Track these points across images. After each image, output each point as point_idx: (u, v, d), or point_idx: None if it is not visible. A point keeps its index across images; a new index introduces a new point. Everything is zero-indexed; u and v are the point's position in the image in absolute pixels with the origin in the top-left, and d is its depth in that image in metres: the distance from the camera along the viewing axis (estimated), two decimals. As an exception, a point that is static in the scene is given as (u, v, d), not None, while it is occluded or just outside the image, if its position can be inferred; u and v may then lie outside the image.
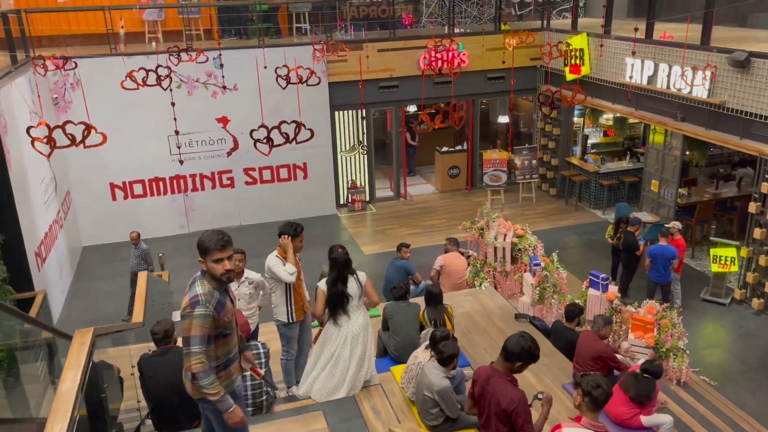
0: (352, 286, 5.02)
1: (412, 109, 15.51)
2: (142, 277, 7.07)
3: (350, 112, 13.42)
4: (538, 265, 7.19)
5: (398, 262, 7.92)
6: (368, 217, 13.42)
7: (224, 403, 3.46)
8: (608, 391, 3.22)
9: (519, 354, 3.47)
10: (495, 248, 7.82)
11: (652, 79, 10.42)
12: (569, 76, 12.45)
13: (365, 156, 13.67)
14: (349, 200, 13.66)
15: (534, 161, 13.55)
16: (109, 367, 4.66)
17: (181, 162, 10.51)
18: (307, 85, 9.39)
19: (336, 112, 13.18)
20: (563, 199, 13.58)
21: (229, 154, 12.50)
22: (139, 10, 13.29)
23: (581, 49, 12.13)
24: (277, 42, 12.91)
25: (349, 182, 13.70)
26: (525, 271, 7.59)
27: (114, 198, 12.33)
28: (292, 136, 6.85)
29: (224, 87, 11.42)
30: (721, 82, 9.07)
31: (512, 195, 13.86)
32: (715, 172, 12.32)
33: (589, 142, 13.64)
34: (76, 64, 10.24)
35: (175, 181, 12.47)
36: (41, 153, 6.33)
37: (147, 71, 8.68)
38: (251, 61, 11.63)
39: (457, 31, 13.84)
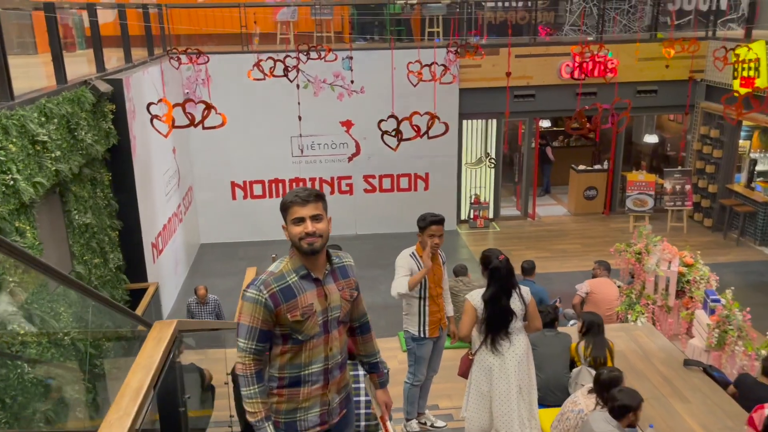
0: (515, 304, 4.01)
1: (545, 124, 14.32)
2: (251, 271, 6.50)
3: (479, 121, 12.50)
4: (718, 301, 5.84)
5: (533, 286, 6.83)
6: (491, 235, 12.36)
7: (260, 430, 2.45)
8: None
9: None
10: (656, 277, 6.53)
11: None
12: (740, 91, 10.78)
13: (492, 170, 12.66)
14: (471, 216, 12.68)
15: (687, 186, 11.89)
16: (197, 370, 4.01)
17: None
18: (441, 83, 8.59)
19: (464, 121, 12.31)
20: (721, 232, 11.79)
21: (350, 159, 11.99)
22: (273, 11, 13.21)
23: (757, 59, 10.45)
24: (408, 45, 12.30)
25: (473, 197, 12.73)
26: (696, 308, 6.23)
27: (234, 197, 12.16)
28: (424, 129, 6.05)
29: (352, 86, 10.88)
30: None
31: (658, 223, 12.24)
32: None
33: (758, 167, 11.78)
34: (208, 58, 10.13)
35: (294, 184, 12.10)
36: (159, 132, 5.94)
37: (275, 61, 8.26)
38: (380, 62, 11.05)
39: (605, 37, 12.55)
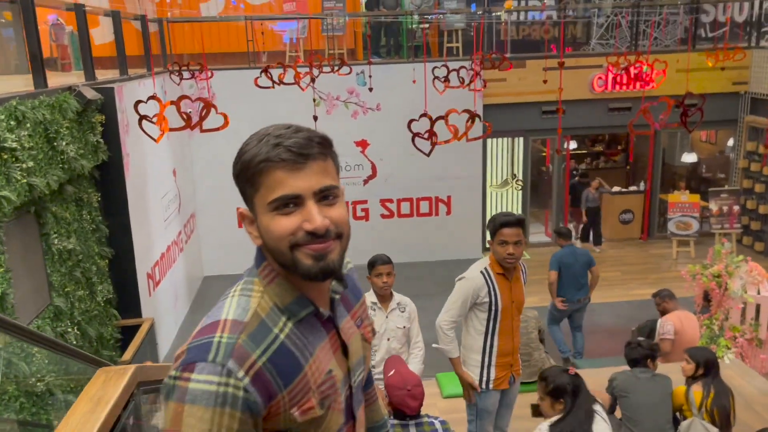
0: (600, 427, 2.85)
1: (571, 145, 13.39)
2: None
3: (505, 140, 11.60)
4: (832, 333, 4.79)
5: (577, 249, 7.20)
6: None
7: None
8: None
9: None
10: (745, 305, 5.47)
11: None
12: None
13: (519, 192, 11.69)
14: (498, 243, 11.66)
15: (736, 207, 10.85)
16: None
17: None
18: (471, 89, 7.70)
19: (488, 140, 11.39)
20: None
21: (365, 182, 11.06)
22: (280, 30, 12.48)
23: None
24: (427, 59, 11.47)
25: (499, 222, 11.72)
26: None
27: (240, 224, 11.21)
28: (462, 131, 5.11)
29: (367, 103, 10.03)
30: None
31: (703, 248, 11.13)
32: None
33: (814, 186, 10.76)
34: (212, 73, 9.32)
35: (305, 210, 11.15)
36: (150, 136, 5.03)
37: (285, 67, 7.40)
38: (397, 78, 10.25)
39: (639, 47, 11.70)
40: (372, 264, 3.98)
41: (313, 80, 7.33)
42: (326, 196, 1.21)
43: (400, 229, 11.29)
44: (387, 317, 4.03)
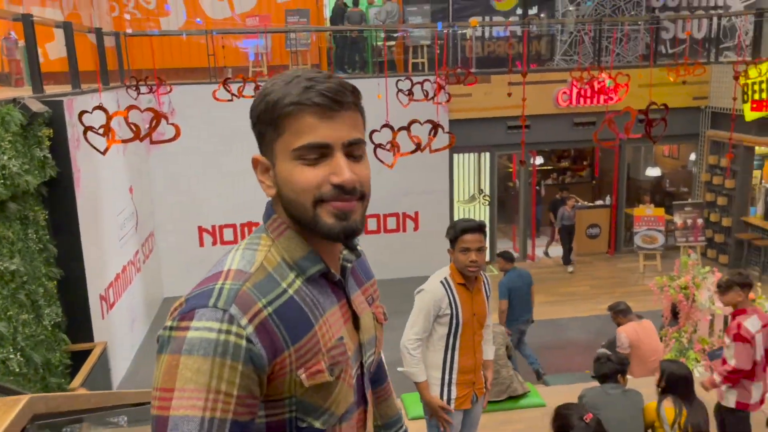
0: None
1: (538, 161, 13.41)
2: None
3: (471, 155, 11.54)
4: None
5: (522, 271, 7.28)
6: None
7: None
8: None
9: None
10: (712, 317, 5.40)
11: None
12: (750, 115, 9.99)
13: (487, 208, 11.61)
14: (466, 260, 11.54)
15: (699, 220, 10.93)
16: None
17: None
18: (435, 102, 7.59)
19: (454, 155, 11.31)
20: (738, 269, 10.76)
21: (334, 199, 10.85)
22: (244, 48, 12.28)
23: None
24: (392, 74, 11.39)
25: (467, 238, 11.61)
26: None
27: (202, 243, 10.89)
28: (425, 141, 4.96)
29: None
30: None
31: (670, 262, 11.18)
32: None
33: (774, 198, 10.90)
34: (171, 88, 9.07)
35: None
36: (95, 148, 4.76)
37: (245, 80, 7.20)
38: (362, 93, 10.05)
39: (602, 63, 11.80)
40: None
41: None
42: (354, 150, 1.14)
43: (368, 246, 10.89)
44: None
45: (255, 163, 1.20)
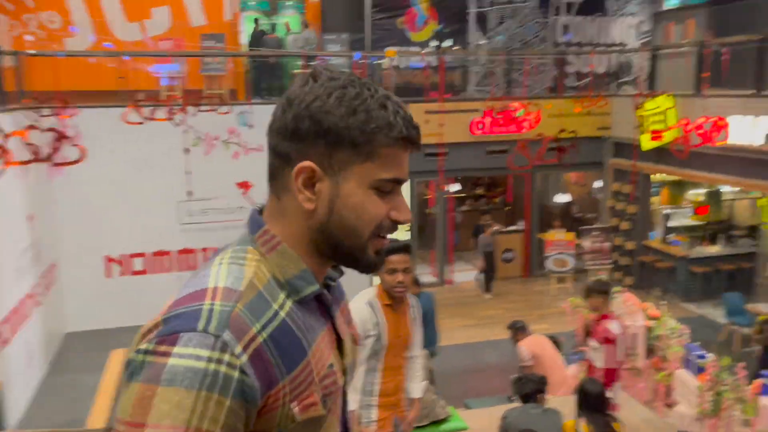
0: None
1: (453, 188, 13.71)
2: (116, 355, 4.92)
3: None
4: (704, 357, 4.97)
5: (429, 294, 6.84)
6: (408, 306, 11.23)
7: None
8: None
9: None
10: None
11: (770, 138, 8.56)
12: (648, 145, 10.64)
13: (408, 233, 11.70)
14: (386, 286, 11.54)
15: (606, 244, 11.48)
16: None
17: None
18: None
19: (374, 182, 11.37)
20: (643, 290, 11.36)
21: (248, 225, 10.59)
22: (156, 73, 11.91)
23: (664, 111, 10.41)
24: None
25: (387, 264, 11.63)
26: (672, 368, 5.34)
27: (109, 274, 10.32)
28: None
29: (249, 143, 9.70)
30: None
31: (580, 284, 11.67)
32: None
33: (672, 223, 11.62)
34: (76, 110, 8.62)
35: (182, 256, 10.49)
36: (-11, 170, 4.41)
37: (156, 102, 6.95)
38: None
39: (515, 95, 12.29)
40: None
41: (186, 112, 6.91)
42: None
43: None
44: None
45: (307, 171, 1.02)
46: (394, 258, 3.16)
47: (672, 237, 11.32)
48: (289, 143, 1.03)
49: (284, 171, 1.04)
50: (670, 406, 5.49)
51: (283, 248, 1.04)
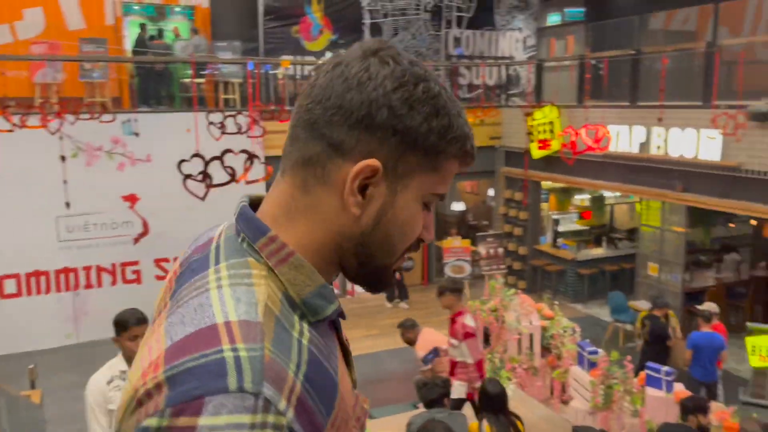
0: None
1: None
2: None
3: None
4: (596, 353, 5.16)
5: None
6: (309, 318, 11.03)
7: None
8: None
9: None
10: (520, 336, 5.75)
11: (644, 147, 9.19)
12: (537, 153, 11.16)
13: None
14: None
15: (500, 250, 11.85)
16: None
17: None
18: (249, 136, 7.37)
19: (271, 193, 11.10)
20: (535, 293, 11.82)
21: (136, 240, 9.99)
22: (30, 71, 11.01)
23: (551, 122, 10.95)
24: (203, 110, 10.94)
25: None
26: (567, 366, 5.51)
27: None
28: (240, 172, 4.72)
29: (136, 153, 9.16)
30: (733, 140, 7.87)
31: (478, 290, 11.95)
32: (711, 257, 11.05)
33: (560, 228, 12.21)
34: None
35: (62, 276, 9.69)
36: None
37: (28, 109, 6.38)
38: (170, 127, 9.53)
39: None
40: (123, 324, 3.29)
41: (63, 119, 6.39)
42: None
43: (178, 290, 10.34)
44: None
45: (368, 171, 0.83)
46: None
47: (561, 241, 11.88)
48: (350, 131, 0.82)
49: (331, 161, 0.83)
50: (565, 402, 5.67)
51: (297, 260, 0.82)
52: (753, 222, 10.47)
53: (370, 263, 0.88)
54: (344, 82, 0.82)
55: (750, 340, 7.49)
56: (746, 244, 10.67)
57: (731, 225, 10.67)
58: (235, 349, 0.70)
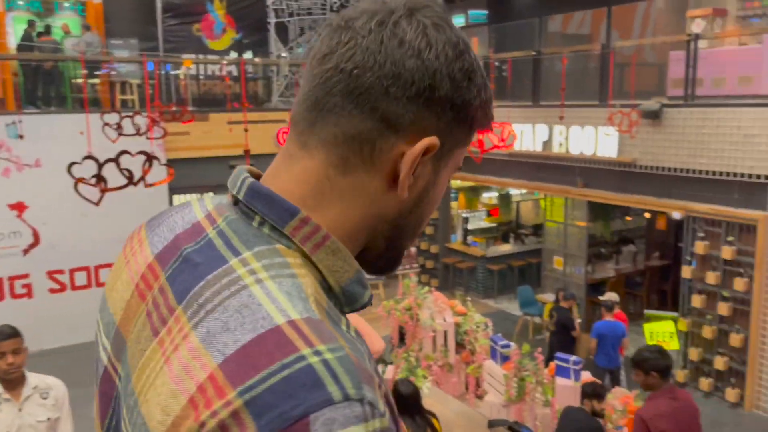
0: None
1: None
2: None
3: (194, 196, 10.95)
4: (508, 346, 5.23)
5: None
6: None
7: None
8: None
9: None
10: (434, 333, 5.74)
11: (547, 145, 9.52)
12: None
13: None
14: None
15: (413, 249, 11.93)
16: None
17: None
18: (147, 137, 6.99)
19: (174, 196, 10.64)
20: (448, 290, 12.00)
21: (26, 251, 9.25)
22: None
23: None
24: (98, 111, 10.30)
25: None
26: (481, 360, 5.56)
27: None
28: (139, 175, 4.43)
29: (23, 158, 8.49)
30: (628, 137, 8.29)
31: (391, 290, 11.97)
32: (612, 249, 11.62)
33: (470, 225, 12.46)
34: None
35: (-61, 294, 8.84)
36: None
37: None
38: (61, 130, 8.92)
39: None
40: None
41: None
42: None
43: (77, 304, 9.64)
44: (20, 410, 3.11)
45: (430, 150, 0.71)
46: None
47: (471, 239, 12.12)
48: (409, 104, 0.70)
49: (382, 139, 0.71)
50: (480, 396, 5.73)
51: (333, 243, 0.71)
52: (647, 215, 11.10)
53: (397, 245, 0.79)
54: (400, 47, 0.70)
55: (648, 327, 7.90)
56: (641, 236, 11.30)
57: (628, 218, 11.26)
58: (317, 353, 0.59)
